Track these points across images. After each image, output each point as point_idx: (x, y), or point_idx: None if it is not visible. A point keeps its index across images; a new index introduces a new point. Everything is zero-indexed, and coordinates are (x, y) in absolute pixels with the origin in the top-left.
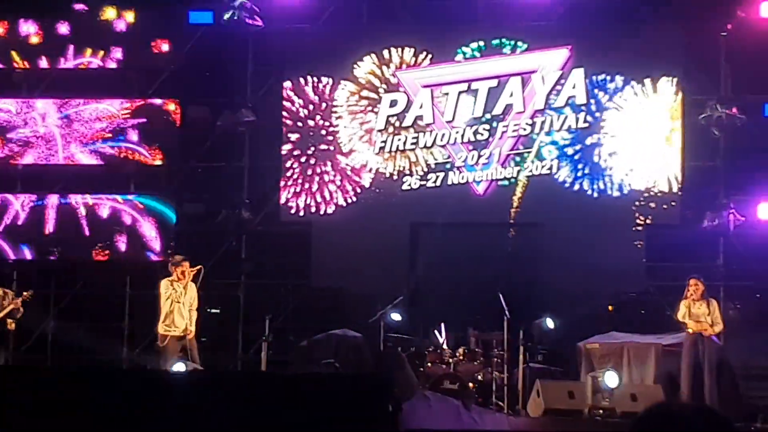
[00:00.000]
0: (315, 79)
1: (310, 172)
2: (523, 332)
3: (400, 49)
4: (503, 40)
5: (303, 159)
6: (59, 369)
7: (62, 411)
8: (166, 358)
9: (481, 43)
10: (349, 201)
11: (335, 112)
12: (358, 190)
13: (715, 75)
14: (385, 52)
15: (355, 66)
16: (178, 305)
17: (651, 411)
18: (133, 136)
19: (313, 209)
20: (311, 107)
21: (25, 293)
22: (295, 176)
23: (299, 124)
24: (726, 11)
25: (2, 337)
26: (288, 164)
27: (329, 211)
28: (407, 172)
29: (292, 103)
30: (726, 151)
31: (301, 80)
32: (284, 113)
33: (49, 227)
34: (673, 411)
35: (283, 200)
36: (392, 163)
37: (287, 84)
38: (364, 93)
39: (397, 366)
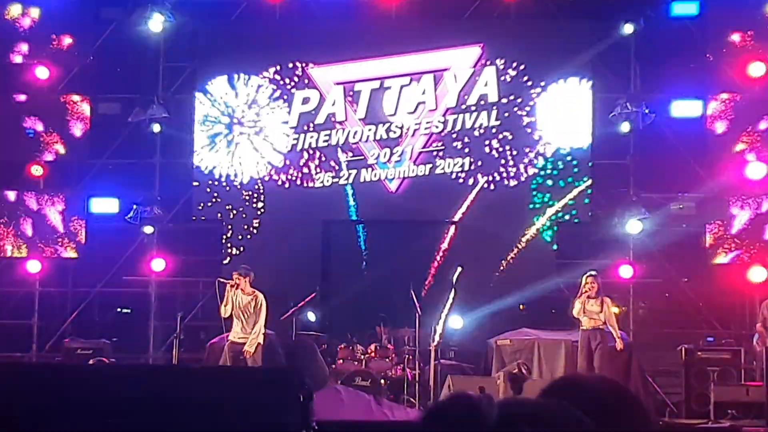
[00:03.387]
0: (228, 75)
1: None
2: (434, 329)
3: (314, 46)
4: None
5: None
6: None
7: None
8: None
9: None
10: (260, 205)
11: (248, 108)
12: (271, 188)
13: (625, 73)
14: (299, 48)
15: (267, 62)
16: (239, 311)
17: (558, 380)
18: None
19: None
20: (224, 104)
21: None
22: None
23: (211, 121)
24: (636, 10)
25: None
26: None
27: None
28: (320, 168)
29: (206, 98)
30: (636, 149)
31: (215, 77)
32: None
33: None
34: (580, 380)
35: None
36: (304, 159)
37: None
38: (276, 89)
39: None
